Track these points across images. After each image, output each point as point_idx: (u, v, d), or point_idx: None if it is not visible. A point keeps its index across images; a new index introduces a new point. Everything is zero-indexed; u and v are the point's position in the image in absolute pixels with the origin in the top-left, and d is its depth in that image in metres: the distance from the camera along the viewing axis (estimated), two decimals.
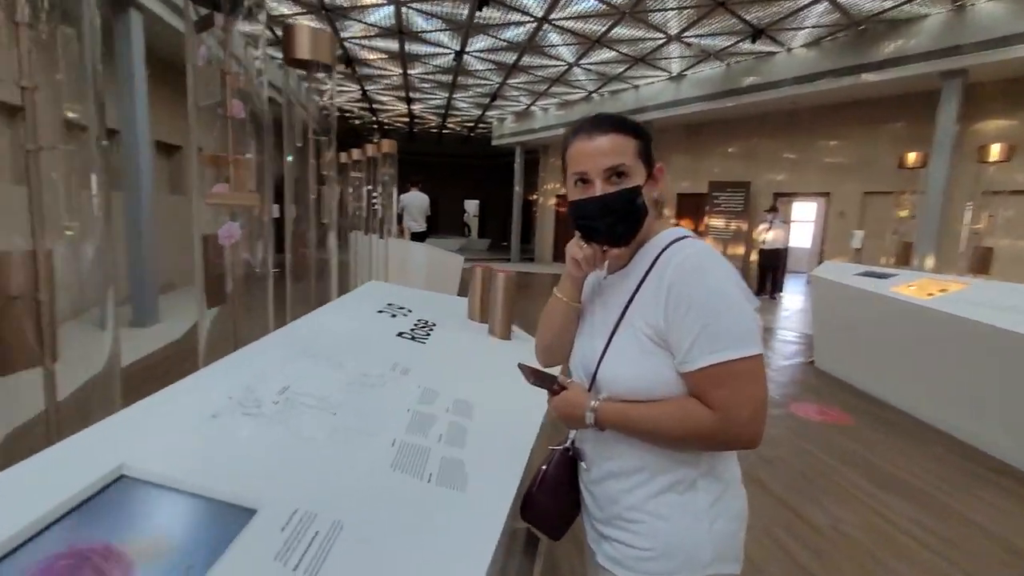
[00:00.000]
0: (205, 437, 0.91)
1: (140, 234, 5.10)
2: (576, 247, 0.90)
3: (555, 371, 1.02)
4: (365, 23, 7.50)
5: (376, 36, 8.03)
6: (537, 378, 0.92)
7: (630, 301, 0.87)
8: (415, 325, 1.89)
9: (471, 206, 22.10)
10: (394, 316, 1.96)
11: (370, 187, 6.01)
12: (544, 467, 1.00)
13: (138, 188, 5.07)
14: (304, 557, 0.69)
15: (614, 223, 0.85)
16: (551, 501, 0.98)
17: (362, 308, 1.99)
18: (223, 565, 0.65)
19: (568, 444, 1.00)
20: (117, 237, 4.98)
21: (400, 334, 1.75)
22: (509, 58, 8.87)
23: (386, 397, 1.24)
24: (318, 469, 0.90)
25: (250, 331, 2.02)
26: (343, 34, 7.97)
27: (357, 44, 8.48)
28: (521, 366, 0.93)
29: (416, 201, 7.48)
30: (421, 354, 1.60)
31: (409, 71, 9.93)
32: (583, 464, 0.96)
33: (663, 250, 0.86)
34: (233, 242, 1.55)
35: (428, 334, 1.83)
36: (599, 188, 0.85)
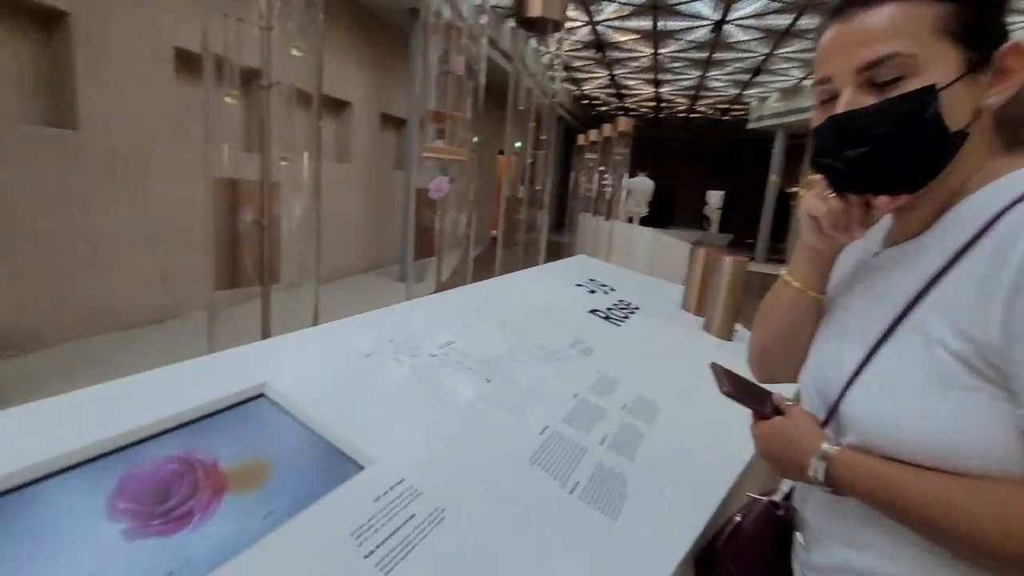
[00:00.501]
0: (350, 374, 0.86)
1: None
2: (816, 200, 0.55)
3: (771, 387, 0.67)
4: (619, 2, 7.32)
5: (630, 15, 7.79)
6: (736, 388, 0.59)
7: (923, 293, 0.48)
8: (614, 305, 1.66)
9: (713, 197, 20.30)
10: (592, 292, 1.76)
11: (603, 168, 5.90)
12: (738, 519, 0.68)
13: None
14: (384, 544, 0.55)
15: (881, 155, 0.48)
16: (740, 571, 0.65)
17: (560, 279, 1.84)
18: (298, 523, 0.55)
19: (779, 499, 0.65)
20: (393, 208, 5.96)
21: (593, 311, 1.54)
22: (781, 22, 7.60)
23: (553, 375, 1.05)
24: (444, 439, 0.76)
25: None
26: (596, 17, 7.96)
27: (609, 27, 8.39)
28: (714, 367, 0.62)
29: (642, 186, 7.18)
30: (611, 336, 1.36)
31: (660, 50, 9.42)
32: (800, 537, 0.60)
33: (1006, 209, 0.45)
34: (442, 195, 1.58)
35: (627, 317, 1.57)
36: (846, 101, 0.49)
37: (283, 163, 1.65)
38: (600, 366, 1.15)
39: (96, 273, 3.06)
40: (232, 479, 0.60)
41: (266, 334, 1.79)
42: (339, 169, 5.22)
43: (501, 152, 9.23)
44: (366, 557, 0.53)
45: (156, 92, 3.25)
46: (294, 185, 1.85)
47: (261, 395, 0.75)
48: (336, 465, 0.67)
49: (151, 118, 3.22)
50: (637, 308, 1.68)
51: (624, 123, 5.17)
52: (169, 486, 0.57)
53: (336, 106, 5.26)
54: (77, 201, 2.92)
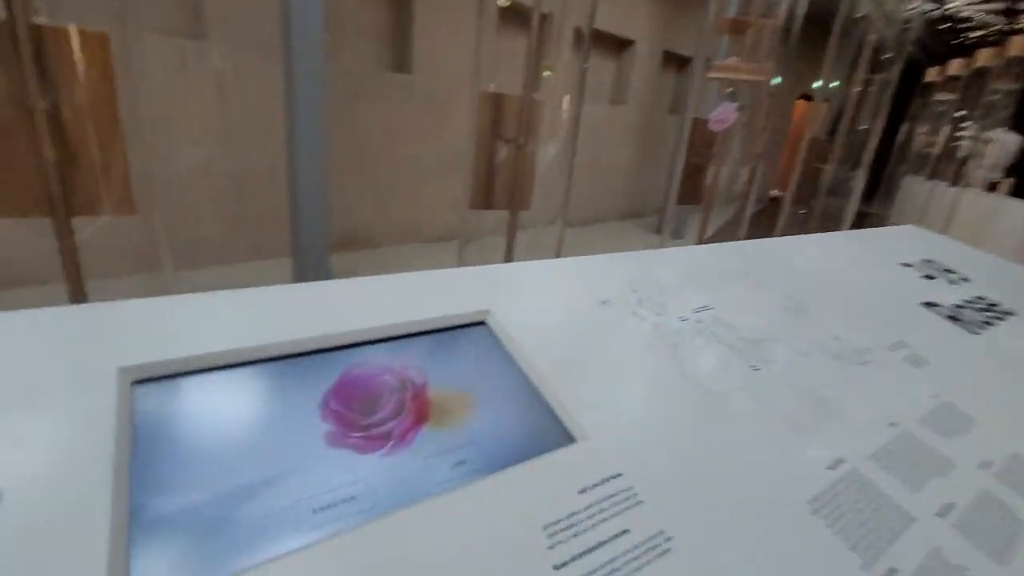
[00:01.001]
0: (581, 320, 0.72)
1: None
2: None
3: None
4: None
5: None
6: None
7: None
8: (967, 302, 1.13)
9: None
10: (930, 278, 1.24)
11: (962, 113, 4.26)
12: None
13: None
14: (581, 560, 0.41)
15: None
16: None
17: (878, 252, 1.35)
18: (487, 488, 0.45)
19: None
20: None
21: (930, 305, 1.07)
22: None
23: (858, 384, 0.72)
24: (684, 434, 0.56)
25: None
26: None
27: None
28: None
29: (1008, 143, 4.91)
30: (960, 347, 0.91)
31: None
32: None
33: None
34: (725, 127, 1.27)
35: (989, 323, 1.05)
36: None
37: (546, 74, 1.58)
38: (939, 388, 0.76)
39: (409, 194, 3.69)
40: (435, 409, 0.54)
41: (508, 260, 1.82)
42: (613, 112, 5.07)
43: (803, 97, 7.65)
44: (555, 569, 0.40)
45: (471, 40, 3.61)
46: (551, 124, 1.80)
47: (482, 323, 0.68)
48: (543, 427, 0.55)
49: (462, 63, 3.60)
50: (1009, 313, 1.11)
51: (1019, 44, 3.54)
52: (378, 399, 0.53)
53: (618, 46, 5.04)
54: (403, 133, 3.52)
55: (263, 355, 0.54)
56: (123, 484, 0.39)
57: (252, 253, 3.07)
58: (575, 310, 0.74)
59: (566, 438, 0.53)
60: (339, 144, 3.15)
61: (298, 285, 0.65)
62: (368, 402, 0.53)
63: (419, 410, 0.53)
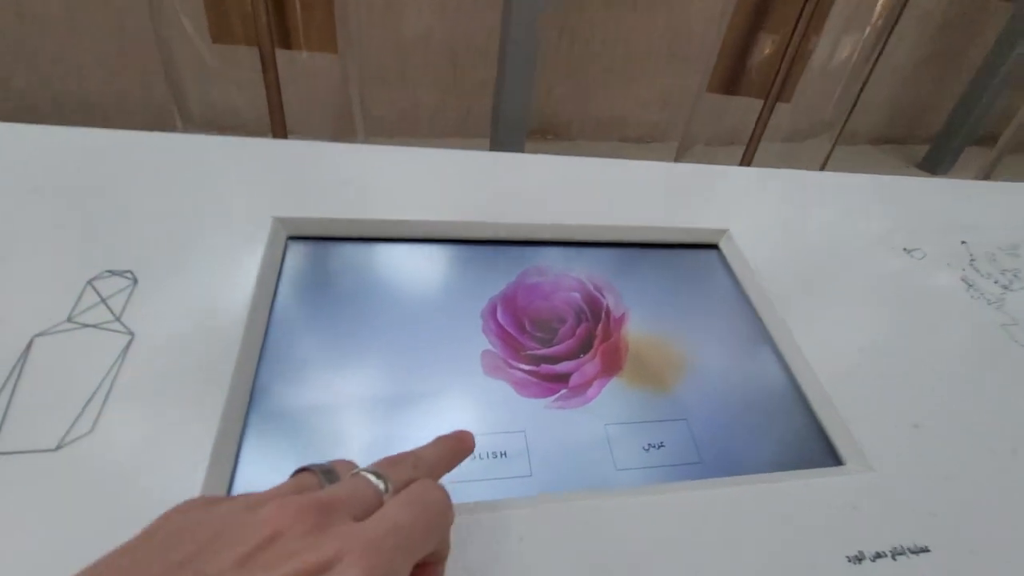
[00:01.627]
0: (866, 274, 0.47)
1: None
2: None
3: None
4: None
5: None
6: None
7: None
8: None
9: None
10: None
11: None
12: None
13: None
14: None
15: None
16: None
17: None
18: (682, 498, 0.29)
19: None
20: None
21: None
22: None
23: None
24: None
25: None
26: None
27: None
28: None
29: None
30: None
31: None
32: None
33: None
34: None
35: None
36: None
37: None
38: None
39: (619, 81, 3.32)
40: (632, 357, 0.38)
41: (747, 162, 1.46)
42: None
43: None
44: None
45: None
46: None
47: (715, 246, 0.48)
48: (794, 429, 0.36)
49: None
50: None
51: None
52: (558, 323, 0.40)
53: None
54: (623, 14, 3.07)
55: (434, 233, 0.43)
56: (251, 358, 0.32)
57: (455, 128, 3.12)
58: (865, 258, 0.49)
59: (829, 457, 0.34)
60: (549, 20, 2.88)
61: (494, 154, 0.52)
62: (543, 324, 0.39)
63: (611, 354, 0.38)
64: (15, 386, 0.27)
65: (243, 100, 1.21)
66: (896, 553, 0.28)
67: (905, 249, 0.52)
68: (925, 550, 0.29)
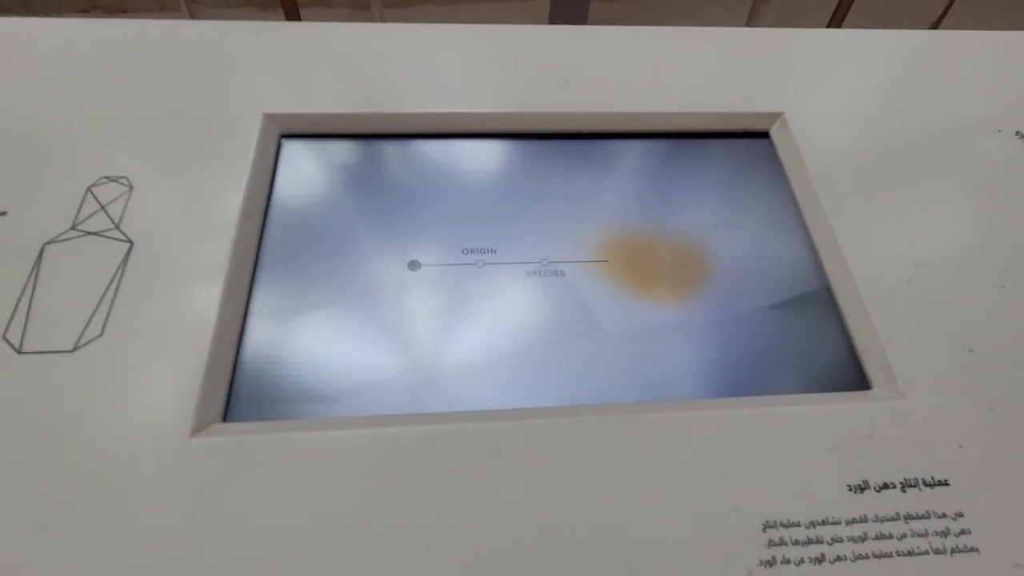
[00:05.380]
0: (957, 162, 0.39)
1: None
2: None
3: None
4: None
5: None
6: None
7: None
8: None
9: None
10: None
11: None
12: None
13: None
14: None
15: None
16: None
17: None
18: (671, 418, 0.28)
19: None
20: None
21: None
22: None
23: None
24: None
25: None
26: None
27: None
28: None
29: None
30: None
31: None
32: None
33: None
34: None
35: None
36: None
37: None
38: None
39: None
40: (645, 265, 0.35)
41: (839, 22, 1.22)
42: None
43: None
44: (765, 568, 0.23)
45: None
46: None
47: (765, 134, 0.41)
48: (820, 345, 0.32)
49: None
50: None
51: None
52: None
53: None
54: None
55: (432, 127, 0.40)
56: (247, 261, 0.32)
57: None
58: (955, 147, 0.40)
59: (858, 380, 0.31)
60: None
61: (504, 27, 0.45)
62: None
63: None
64: (33, 293, 0.29)
65: None
66: (907, 485, 0.26)
67: (1019, 133, 0.42)
68: (944, 483, 0.26)
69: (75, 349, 0.28)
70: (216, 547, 0.23)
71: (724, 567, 0.24)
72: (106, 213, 0.31)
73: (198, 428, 0.26)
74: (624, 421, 0.28)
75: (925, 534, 0.25)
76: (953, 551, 0.25)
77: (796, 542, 0.25)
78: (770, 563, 0.24)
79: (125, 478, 0.24)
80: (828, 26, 1.27)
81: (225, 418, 0.28)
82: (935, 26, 1.28)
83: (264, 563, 0.23)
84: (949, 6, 1.27)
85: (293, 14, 1.05)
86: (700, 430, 0.28)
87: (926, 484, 0.26)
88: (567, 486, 0.25)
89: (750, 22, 1.48)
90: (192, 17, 1.23)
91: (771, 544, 0.25)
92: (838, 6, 1.23)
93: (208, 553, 0.23)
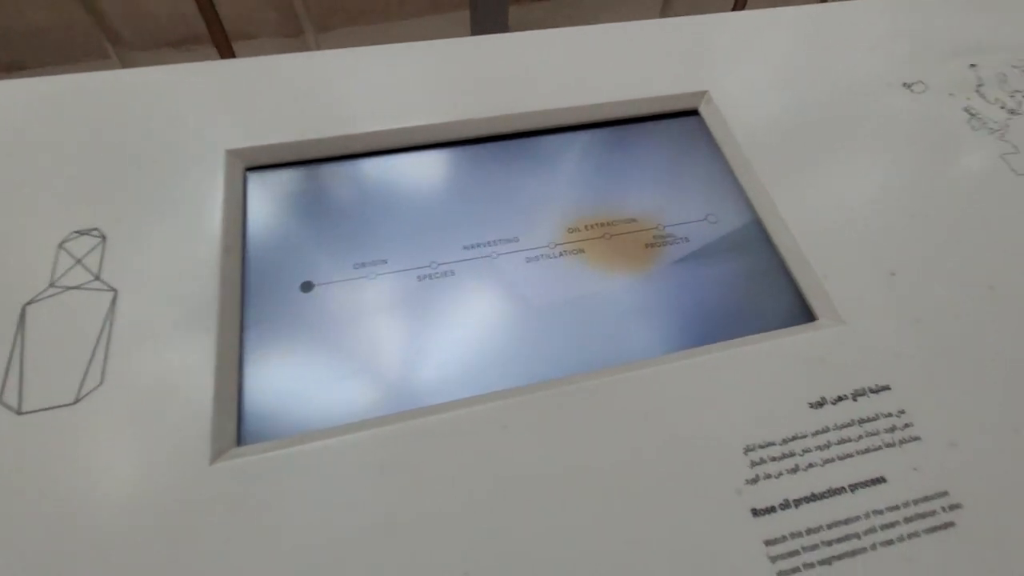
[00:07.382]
0: (860, 113, 0.44)
1: None
2: None
3: None
4: None
5: None
6: None
7: None
8: None
9: None
10: None
11: None
12: None
13: None
14: (792, 511, 0.27)
15: None
16: None
17: None
18: (623, 379, 0.31)
19: None
20: None
21: None
22: None
23: None
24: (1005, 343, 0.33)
25: None
26: None
27: None
28: None
29: None
30: None
31: None
32: None
33: None
34: None
35: None
36: None
37: None
38: None
39: None
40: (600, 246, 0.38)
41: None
42: None
43: None
44: (755, 515, 0.27)
45: None
46: None
47: (694, 112, 0.45)
48: (766, 284, 0.36)
49: None
50: None
51: None
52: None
53: None
54: None
55: (373, 145, 0.42)
56: (234, 294, 0.33)
57: (427, 5, 2.82)
58: (857, 102, 0.46)
59: (803, 314, 0.35)
60: None
61: (436, 43, 0.47)
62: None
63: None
64: (22, 353, 0.29)
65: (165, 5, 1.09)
66: (857, 394, 0.30)
67: (905, 84, 0.48)
68: (887, 388, 0.31)
69: (77, 401, 0.28)
70: (266, 557, 0.24)
71: (717, 490, 0.27)
72: (83, 266, 0.32)
73: (217, 455, 0.27)
74: (608, 383, 0.30)
75: (877, 432, 0.29)
76: (901, 442, 0.29)
77: (773, 459, 0.28)
78: (755, 480, 0.28)
79: (154, 513, 0.25)
80: (733, 10, 1.37)
81: (239, 443, 0.29)
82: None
83: (312, 564, 0.24)
84: None
85: (227, 51, 1.04)
86: (679, 378, 0.31)
87: (872, 391, 0.31)
88: (572, 446, 0.28)
89: (663, 13, 1.56)
90: (121, 62, 1.19)
91: (753, 464, 0.28)
92: None
93: (260, 564, 0.24)
